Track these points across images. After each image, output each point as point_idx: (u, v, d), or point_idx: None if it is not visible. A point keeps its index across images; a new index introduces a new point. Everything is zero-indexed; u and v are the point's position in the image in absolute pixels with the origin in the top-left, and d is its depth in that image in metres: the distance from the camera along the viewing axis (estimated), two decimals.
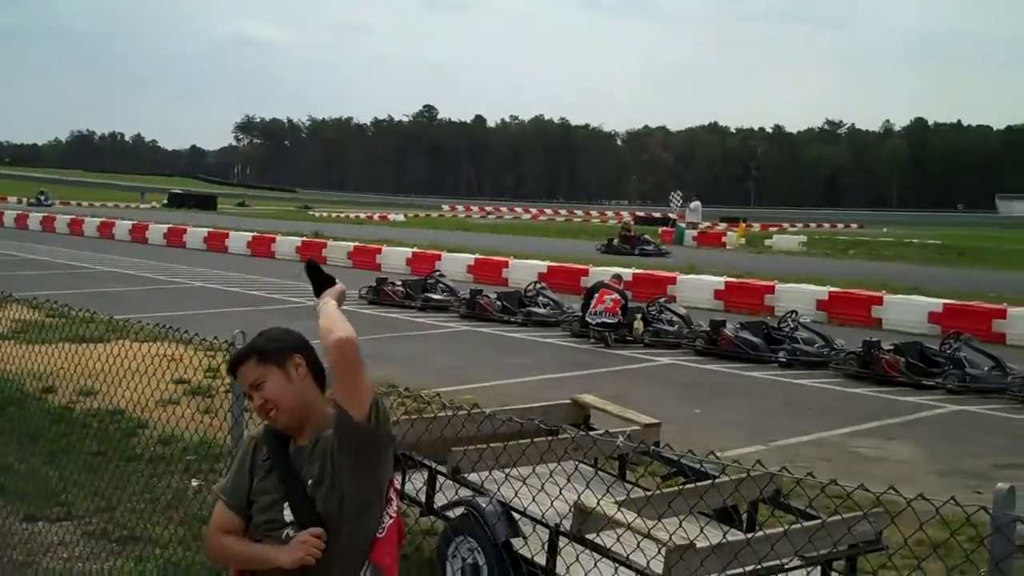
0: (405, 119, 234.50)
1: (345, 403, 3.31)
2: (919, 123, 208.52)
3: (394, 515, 3.51)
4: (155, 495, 7.98)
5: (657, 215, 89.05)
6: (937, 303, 22.47)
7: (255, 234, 41.30)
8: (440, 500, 6.98)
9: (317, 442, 3.42)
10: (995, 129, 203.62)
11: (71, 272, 29.66)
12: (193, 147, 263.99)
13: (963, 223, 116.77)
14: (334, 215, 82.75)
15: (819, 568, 6.02)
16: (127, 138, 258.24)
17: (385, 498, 3.49)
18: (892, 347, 16.54)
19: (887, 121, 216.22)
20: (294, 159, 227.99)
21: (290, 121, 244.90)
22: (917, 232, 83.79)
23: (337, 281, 3.57)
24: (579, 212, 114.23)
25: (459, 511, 6.73)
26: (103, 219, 49.67)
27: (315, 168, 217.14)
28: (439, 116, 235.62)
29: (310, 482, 3.39)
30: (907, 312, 22.38)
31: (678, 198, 67.95)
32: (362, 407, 3.32)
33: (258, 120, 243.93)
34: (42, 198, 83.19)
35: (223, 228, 44.30)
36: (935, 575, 5.96)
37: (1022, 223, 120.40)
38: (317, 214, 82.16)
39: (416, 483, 7.20)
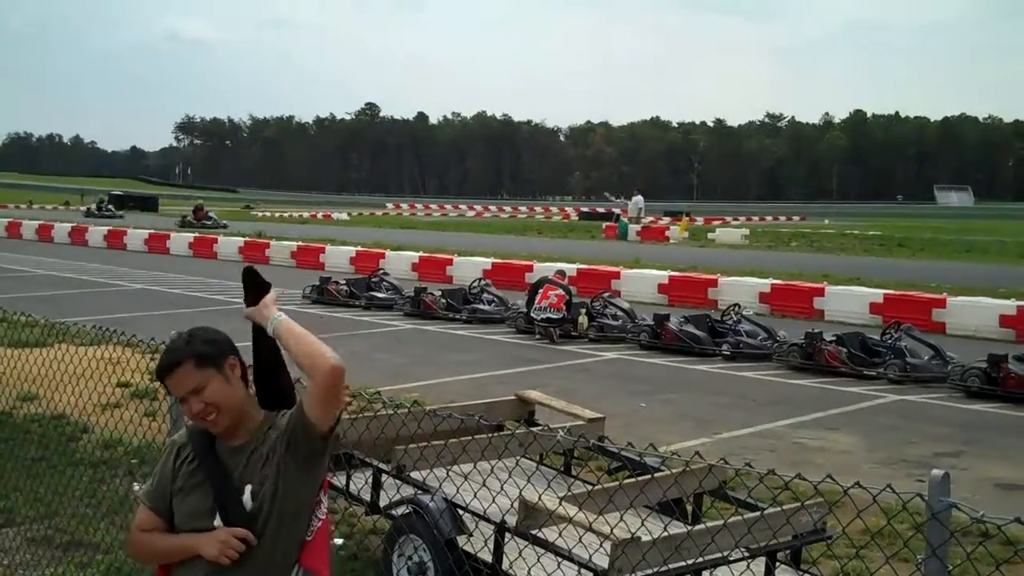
0: (347, 117, 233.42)
1: (316, 418, 3.32)
2: (858, 115, 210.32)
3: (323, 517, 3.51)
4: (98, 500, 7.90)
5: (601, 210, 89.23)
6: (878, 294, 22.69)
7: (196, 235, 40.94)
8: (385, 499, 6.96)
9: (258, 442, 3.41)
10: (932, 120, 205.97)
11: (8, 276, 29.24)
12: (133, 148, 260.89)
13: (902, 214, 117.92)
14: (277, 215, 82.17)
15: (764, 560, 6.06)
16: (65, 140, 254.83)
17: (316, 500, 3.48)
18: (834, 338, 16.68)
19: (827, 113, 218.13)
20: (236, 159, 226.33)
21: (231, 121, 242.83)
22: (857, 223, 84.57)
23: (272, 288, 3.53)
24: (523, 208, 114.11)
25: (404, 509, 6.71)
26: (41, 222, 48.99)
27: (257, 168, 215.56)
28: (381, 114, 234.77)
29: (249, 485, 3.37)
30: (848, 303, 22.58)
31: (619, 201, 67.84)
32: (329, 422, 3.34)
33: (198, 120, 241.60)
34: (102, 206, 68.49)
35: (164, 230, 43.87)
36: (876, 563, 6.02)
37: (960, 214, 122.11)
38: (260, 214, 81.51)
39: (360, 482, 7.17)
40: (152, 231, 43.08)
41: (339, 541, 7.75)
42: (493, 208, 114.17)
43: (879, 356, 16.35)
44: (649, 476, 6.50)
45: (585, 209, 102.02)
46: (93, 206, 69.64)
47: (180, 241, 40.08)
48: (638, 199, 62.83)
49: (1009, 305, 20.77)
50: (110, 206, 70.19)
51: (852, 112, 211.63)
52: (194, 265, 34.28)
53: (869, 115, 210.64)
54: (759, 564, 6.02)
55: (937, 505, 3.40)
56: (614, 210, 71.76)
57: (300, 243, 36.96)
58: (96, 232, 44.19)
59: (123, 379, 10.85)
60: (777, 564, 6.18)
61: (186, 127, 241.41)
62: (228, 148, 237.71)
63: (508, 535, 5.96)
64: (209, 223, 55.54)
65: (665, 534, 5.43)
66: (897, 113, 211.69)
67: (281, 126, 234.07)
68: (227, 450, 3.45)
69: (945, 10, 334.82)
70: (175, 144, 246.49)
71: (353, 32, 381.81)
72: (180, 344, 3.50)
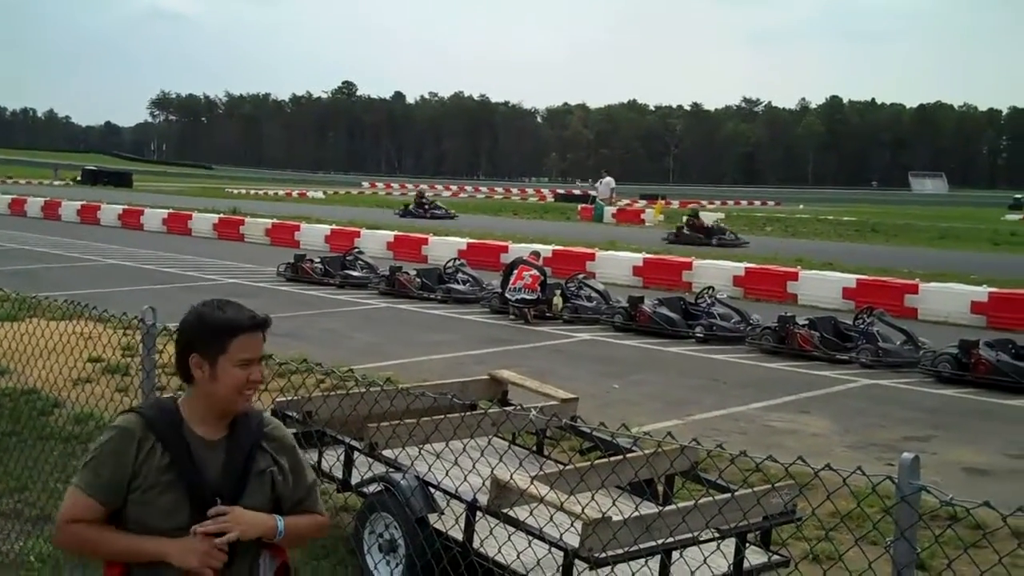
0: (324, 95, 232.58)
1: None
2: (834, 101, 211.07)
3: None
4: (68, 474, 7.84)
5: (577, 192, 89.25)
6: (851, 279, 22.78)
7: (171, 211, 40.74)
8: (357, 476, 6.95)
9: (232, 440, 3.34)
10: (908, 107, 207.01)
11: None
12: (108, 123, 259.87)
13: (877, 200, 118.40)
14: (252, 192, 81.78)
15: (734, 540, 6.08)
16: (39, 114, 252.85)
17: None
18: (807, 322, 16.75)
19: (803, 99, 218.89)
20: (211, 136, 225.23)
21: (207, 97, 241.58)
22: (832, 209, 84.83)
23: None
24: (499, 189, 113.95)
25: (375, 487, 6.71)
26: (14, 196, 48.61)
27: (233, 145, 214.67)
28: (358, 92, 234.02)
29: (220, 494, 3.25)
30: (821, 288, 22.66)
31: (588, 184, 67.76)
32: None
33: (174, 96, 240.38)
34: (424, 202, 51.28)
35: (139, 205, 43.61)
36: (845, 545, 6.05)
37: (934, 200, 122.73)
38: (235, 191, 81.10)
39: (332, 459, 7.17)
40: (126, 206, 42.78)
41: None
42: (469, 188, 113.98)
43: (851, 341, 16.43)
44: (621, 456, 6.52)
45: (561, 191, 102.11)
46: (411, 205, 51.66)
47: (154, 217, 39.84)
48: (608, 180, 62.82)
49: (981, 292, 20.88)
50: (437, 203, 53.13)
51: (828, 98, 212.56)
52: (168, 242, 34.09)
53: (845, 101, 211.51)
54: (729, 545, 6.05)
55: (907, 488, 3.40)
56: (590, 192, 71.72)
57: (275, 220, 36.82)
58: (69, 207, 43.86)
59: (95, 354, 10.80)
60: (747, 545, 6.20)
61: (161, 103, 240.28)
62: (203, 125, 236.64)
63: (479, 514, 5.97)
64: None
65: (636, 514, 5.44)
66: (873, 100, 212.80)
67: (257, 103, 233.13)
68: (203, 443, 3.29)
69: None
70: (150, 120, 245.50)
71: (332, 9, 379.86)
72: (251, 312, 3.40)
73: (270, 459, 3.37)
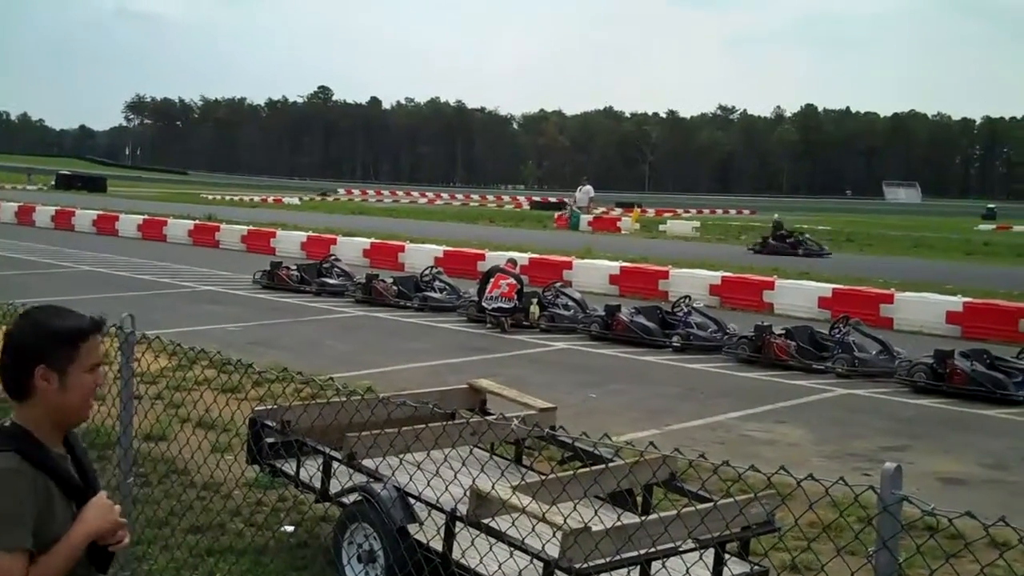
0: (300, 100, 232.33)
1: None
2: (809, 109, 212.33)
3: None
4: None
5: (553, 200, 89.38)
6: (827, 288, 22.84)
7: (146, 217, 40.57)
8: (336, 487, 6.93)
9: (76, 441, 3.26)
10: (882, 116, 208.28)
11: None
12: (82, 127, 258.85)
13: (851, 209, 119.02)
14: (227, 198, 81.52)
15: (713, 550, 6.09)
16: (12, 117, 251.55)
17: None
18: (783, 331, 16.81)
19: (778, 107, 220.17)
20: (186, 140, 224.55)
21: (182, 101, 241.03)
22: (807, 218, 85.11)
23: None
24: (475, 196, 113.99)
25: (354, 497, 6.68)
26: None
27: (208, 150, 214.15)
28: (334, 98, 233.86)
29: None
30: (798, 297, 22.73)
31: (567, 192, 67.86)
32: None
33: (149, 100, 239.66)
34: (791, 238, 40.52)
35: (114, 211, 43.41)
36: (826, 555, 6.07)
37: (908, 209, 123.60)
38: (211, 197, 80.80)
39: (310, 469, 7.14)
40: (101, 212, 42.55)
41: (289, 528, 7.73)
42: (445, 195, 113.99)
43: (827, 350, 16.49)
44: (603, 466, 6.52)
45: (537, 198, 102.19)
46: (769, 237, 41.25)
47: (129, 223, 39.66)
48: (588, 188, 62.94)
49: (956, 301, 20.98)
50: (804, 236, 42.10)
51: (804, 106, 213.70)
52: (143, 248, 33.95)
53: (820, 109, 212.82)
54: (709, 555, 6.05)
55: (889, 498, 3.42)
56: (566, 200, 71.89)
57: (251, 227, 36.71)
58: (44, 212, 43.59)
59: None
60: (727, 556, 6.21)
61: (136, 106, 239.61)
62: (179, 129, 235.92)
63: (460, 524, 5.95)
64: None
65: (618, 524, 5.44)
66: (848, 108, 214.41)
67: (233, 108, 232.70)
68: (59, 457, 3.15)
69: (896, 4, 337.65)
70: (125, 124, 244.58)
71: (309, 13, 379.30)
72: (85, 316, 3.20)
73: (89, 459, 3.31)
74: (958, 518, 3.35)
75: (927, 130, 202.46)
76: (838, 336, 16.59)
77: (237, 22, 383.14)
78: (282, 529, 7.69)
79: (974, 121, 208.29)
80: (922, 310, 21.14)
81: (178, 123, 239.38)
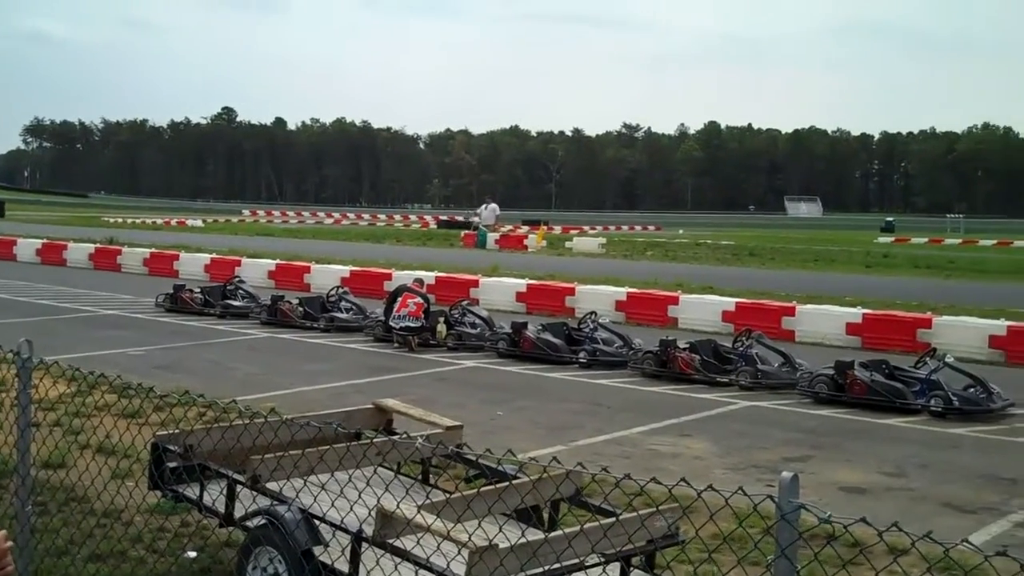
0: (203, 122, 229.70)
1: None
2: (712, 126, 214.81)
3: None
4: None
5: (460, 218, 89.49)
6: (730, 302, 23.12)
7: (45, 241, 39.82)
8: (239, 510, 6.85)
9: None
10: (783, 132, 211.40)
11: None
12: None
13: (754, 224, 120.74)
14: (130, 221, 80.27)
15: (618, 564, 6.12)
16: None
17: None
18: (687, 345, 16.97)
19: (682, 124, 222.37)
20: (86, 163, 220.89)
21: (82, 124, 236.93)
22: (711, 233, 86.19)
23: None
24: (382, 216, 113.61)
25: (258, 520, 6.61)
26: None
27: (109, 173, 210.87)
28: (238, 119, 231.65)
29: None
30: (702, 311, 22.97)
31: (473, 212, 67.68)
32: None
33: (48, 122, 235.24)
34: None
35: (11, 235, 42.53)
36: (728, 566, 6.13)
37: (809, 223, 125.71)
38: (112, 220, 79.52)
39: (214, 493, 7.06)
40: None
41: (192, 554, 7.62)
42: (352, 215, 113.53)
43: (731, 363, 16.69)
44: (507, 483, 6.53)
45: (444, 217, 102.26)
46: None
47: (27, 247, 38.91)
48: (493, 207, 63.07)
49: (855, 313, 21.35)
50: None
51: (707, 123, 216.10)
52: (42, 272, 33.32)
53: (723, 126, 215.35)
54: (614, 569, 6.09)
55: (787, 507, 3.47)
56: (472, 218, 72.02)
57: (153, 250, 36.22)
58: None
59: None
60: (632, 569, 6.25)
61: (35, 130, 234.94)
62: (79, 152, 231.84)
63: (365, 545, 5.93)
64: None
65: (523, 541, 5.45)
66: (750, 125, 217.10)
67: (134, 130, 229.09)
68: None
69: (795, 24, 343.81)
70: (23, 147, 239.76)
71: (212, 34, 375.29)
72: None
73: None
74: (853, 524, 3.42)
75: (827, 145, 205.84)
76: (741, 349, 16.79)
77: (139, 44, 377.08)
78: (185, 555, 7.58)
79: (872, 136, 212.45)
80: (823, 322, 21.49)
81: (78, 146, 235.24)
